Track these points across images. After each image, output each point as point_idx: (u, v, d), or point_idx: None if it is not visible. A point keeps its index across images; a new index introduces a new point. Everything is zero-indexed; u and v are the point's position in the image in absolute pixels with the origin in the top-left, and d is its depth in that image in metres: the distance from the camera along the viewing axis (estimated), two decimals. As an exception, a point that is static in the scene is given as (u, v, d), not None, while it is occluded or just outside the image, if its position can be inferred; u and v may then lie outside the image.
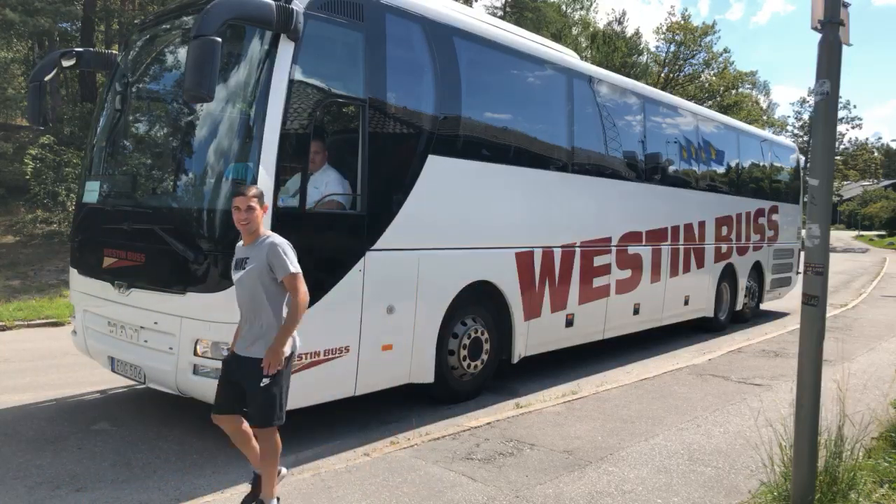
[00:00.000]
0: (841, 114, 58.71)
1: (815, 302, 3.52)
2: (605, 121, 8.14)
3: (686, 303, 9.96)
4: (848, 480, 3.63)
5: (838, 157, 56.29)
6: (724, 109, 36.91)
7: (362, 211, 5.20)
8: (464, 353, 6.20)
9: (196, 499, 4.02)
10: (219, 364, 4.56)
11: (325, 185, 5.11)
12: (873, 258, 33.63)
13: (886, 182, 71.18)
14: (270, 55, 4.68)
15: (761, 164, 12.67)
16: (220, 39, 4.19)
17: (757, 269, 12.26)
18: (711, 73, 41.66)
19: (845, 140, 63.20)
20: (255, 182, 4.50)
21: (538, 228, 7.05)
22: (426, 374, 5.84)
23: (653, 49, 44.66)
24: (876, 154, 69.41)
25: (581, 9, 44.43)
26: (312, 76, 4.89)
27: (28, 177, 16.25)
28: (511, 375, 7.30)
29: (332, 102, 5.29)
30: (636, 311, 8.72)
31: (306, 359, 4.82)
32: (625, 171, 8.63)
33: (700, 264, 10.17)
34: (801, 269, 3.96)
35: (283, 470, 3.90)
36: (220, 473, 4.51)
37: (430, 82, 5.88)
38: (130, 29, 9.10)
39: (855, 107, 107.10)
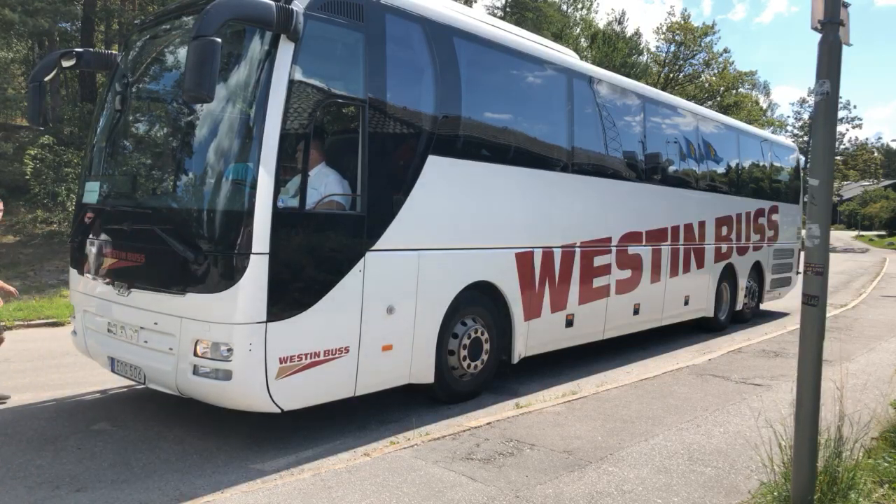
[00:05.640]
0: (841, 114, 58.69)
1: (815, 302, 3.52)
2: (605, 121, 8.14)
3: (686, 303, 9.96)
4: (848, 480, 3.63)
5: (838, 157, 56.23)
6: (724, 109, 36.92)
7: (362, 211, 5.20)
8: (464, 353, 6.20)
9: (196, 499, 4.02)
10: (219, 364, 4.60)
11: (325, 186, 5.11)
12: (873, 258, 33.64)
13: (886, 182, 71.16)
14: (270, 55, 4.68)
15: (761, 164, 12.67)
16: (219, 40, 4.19)
17: (757, 269, 12.26)
18: (711, 73, 41.65)
19: (845, 140, 63.16)
20: (255, 182, 4.51)
21: (538, 229, 7.05)
22: (426, 375, 5.84)
23: (653, 49, 44.72)
24: (876, 154, 69.31)
25: (582, 8, 44.44)
26: (312, 76, 4.89)
27: (28, 177, 16.26)
28: (511, 375, 7.30)
29: (331, 103, 5.29)
30: (636, 312, 8.73)
31: (306, 359, 4.82)
32: (625, 171, 8.63)
33: (700, 264, 10.17)
34: (801, 269, 3.95)
35: None
36: (220, 473, 4.51)
37: (429, 83, 5.88)
38: (130, 29, 9.10)
39: (855, 107, 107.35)
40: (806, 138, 54.46)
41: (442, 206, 5.92)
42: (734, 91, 42.65)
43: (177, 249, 4.68)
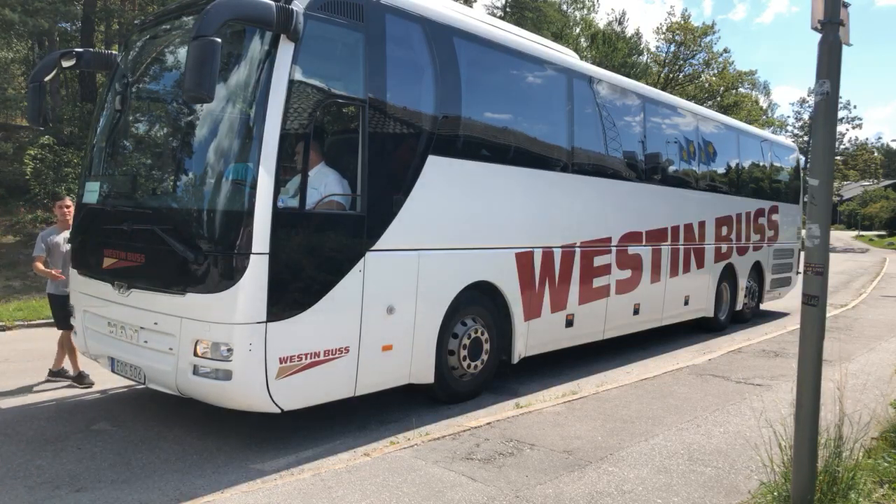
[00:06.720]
0: (841, 114, 58.61)
1: (815, 302, 3.52)
2: (605, 121, 8.14)
3: (686, 303, 9.96)
4: (848, 480, 3.63)
5: (838, 157, 56.17)
6: (724, 109, 36.92)
7: (362, 211, 5.20)
8: (464, 353, 6.20)
9: (196, 499, 4.02)
10: (219, 365, 4.60)
11: (325, 186, 5.10)
12: (873, 258, 33.64)
13: (886, 182, 71.13)
14: (270, 55, 4.68)
15: (761, 164, 12.66)
16: (219, 40, 4.19)
17: (757, 269, 12.26)
18: (711, 73, 41.66)
19: (845, 140, 63.10)
20: (255, 182, 4.51)
21: (538, 228, 7.05)
22: (426, 375, 5.84)
23: (653, 49, 44.73)
24: (876, 154, 69.26)
25: (582, 8, 44.46)
26: (312, 76, 4.89)
27: (28, 177, 16.26)
28: (511, 375, 7.30)
29: (331, 103, 5.29)
30: (636, 312, 8.72)
31: (306, 359, 4.82)
32: (625, 171, 8.63)
33: (700, 264, 10.17)
34: (801, 269, 3.95)
35: None
36: (220, 473, 4.51)
37: (429, 82, 5.88)
38: (130, 29, 9.10)
39: (855, 107, 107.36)
40: (806, 138, 54.42)
41: (442, 206, 5.92)
42: (734, 91, 42.66)
43: (177, 249, 4.68)
